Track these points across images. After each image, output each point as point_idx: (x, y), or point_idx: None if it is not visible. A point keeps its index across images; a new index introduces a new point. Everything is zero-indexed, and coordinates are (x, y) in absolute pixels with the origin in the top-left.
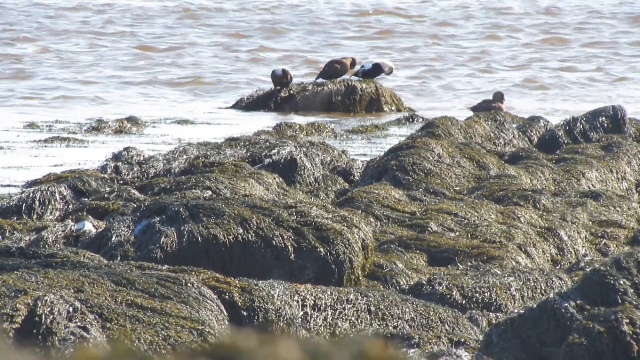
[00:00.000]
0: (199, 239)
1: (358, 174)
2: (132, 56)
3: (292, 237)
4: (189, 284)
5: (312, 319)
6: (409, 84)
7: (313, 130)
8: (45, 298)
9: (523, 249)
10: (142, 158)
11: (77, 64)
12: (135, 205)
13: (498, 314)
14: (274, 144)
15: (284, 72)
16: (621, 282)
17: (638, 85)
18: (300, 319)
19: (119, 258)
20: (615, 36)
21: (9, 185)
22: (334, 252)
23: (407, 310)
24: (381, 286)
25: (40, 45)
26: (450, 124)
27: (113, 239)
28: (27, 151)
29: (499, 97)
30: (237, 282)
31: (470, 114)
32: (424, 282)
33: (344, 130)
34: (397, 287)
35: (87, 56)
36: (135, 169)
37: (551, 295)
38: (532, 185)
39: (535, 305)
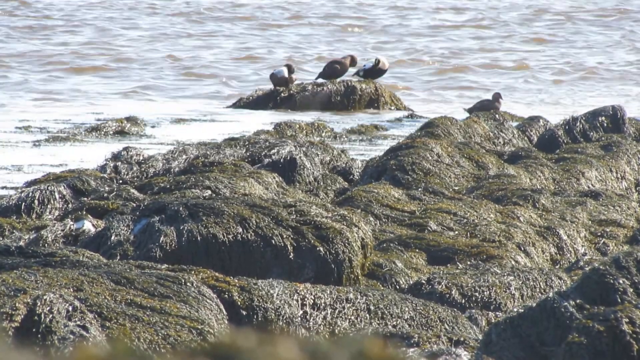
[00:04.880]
0: (199, 238)
1: (357, 173)
2: (132, 56)
3: (292, 236)
4: (188, 283)
5: (312, 318)
6: (410, 83)
7: (313, 130)
8: (45, 297)
9: (522, 248)
10: (141, 158)
11: (76, 63)
12: (134, 205)
13: (497, 313)
14: (274, 144)
15: (285, 74)
16: (620, 281)
17: None
18: (299, 318)
19: (118, 257)
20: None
21: (7, 186)
22: (333, 251)
23: (407, 309)
24: (380, 285)
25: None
26: (449, 123)
27: (112, 238)
28: (26, 151)
29: (496, 97)
30: (236, 281)
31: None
32: (424, 281)
33: (344, 130)
34: (397, 286)
35: (87, 55)
36: (134, 168)
37: (551, 294)
38: (531, 185)
39: (534, 305)
